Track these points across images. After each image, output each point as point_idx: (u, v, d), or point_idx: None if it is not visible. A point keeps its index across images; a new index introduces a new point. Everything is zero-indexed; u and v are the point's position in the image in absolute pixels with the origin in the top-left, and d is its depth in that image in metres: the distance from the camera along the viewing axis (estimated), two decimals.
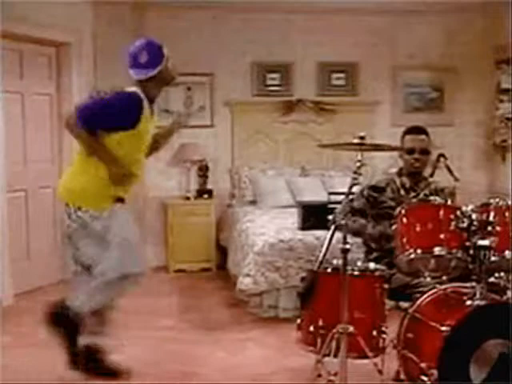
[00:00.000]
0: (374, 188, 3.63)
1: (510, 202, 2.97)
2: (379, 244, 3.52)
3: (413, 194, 3.58)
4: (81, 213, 3.23)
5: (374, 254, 3.59)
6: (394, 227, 3.14)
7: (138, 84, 3.30)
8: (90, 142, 3.24)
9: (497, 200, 2.96)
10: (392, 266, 3.21)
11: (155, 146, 3.56)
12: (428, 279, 3.03)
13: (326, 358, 2.88)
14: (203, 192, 6.43)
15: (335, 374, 2.86)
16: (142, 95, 3.27)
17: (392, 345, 3.03)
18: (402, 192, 3.61)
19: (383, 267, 3.14)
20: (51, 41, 5.46)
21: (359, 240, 3.83)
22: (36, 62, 5.45)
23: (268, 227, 5.01)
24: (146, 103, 3.29)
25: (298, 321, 3.05)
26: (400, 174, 3.67)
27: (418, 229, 3.02)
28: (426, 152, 3.57)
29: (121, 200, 3.33)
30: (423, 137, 3.60)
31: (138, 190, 5.15)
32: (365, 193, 3.62)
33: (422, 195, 3.50)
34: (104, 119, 3.22)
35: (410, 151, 3.56)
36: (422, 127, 3.66)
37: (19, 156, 5.30)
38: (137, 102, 3.24)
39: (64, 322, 3.27)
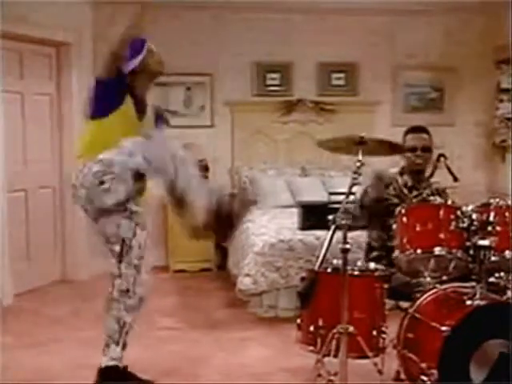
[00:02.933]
0: (379, 177, 3.66)
1: (509, 202, 2.98)
2: (380, 209, 3.53)
3: (415, 192, 3.60)
4: None
5: (374, 254, 3.60)
6: (394, 226, 3.15)
7: (128, 80, 3.25)
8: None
9: (497, 200, 2.97)
10: (392, 265, 3.21)
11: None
12: (428, 279, 3.03)
13: (326, 358, 2.88)
14: None
15: (335, 374, 2.86)
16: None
17: (392, 345, 3.03)
18: (405, 191, 3.64)
19: (383, 267, 3.15)
20: (51, 41, 5.47)
21: (360, 240, 3.83)
22: (36, 62, 5.45)
23: (268, 227, 5.01)
24: (128, 97, 3.21)
25: (298, 321, 3.05)
26: (402, 172, 3.71)
27: (418, 229, 3.02)
28: (427, 150, 3.63)
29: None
30: (425, 135, 3.66)
31: None
32: (373, 182, 3.63)
33: (424, 195, 3.51)
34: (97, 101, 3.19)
35: (412, 149, 3.60)
36: (424, 126, 3.73)
37: (19, 156, 5.31)
38: (115, 82, 3.17)
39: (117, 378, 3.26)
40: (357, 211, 3.43)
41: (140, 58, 3.25)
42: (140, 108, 3.31)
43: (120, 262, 3.21)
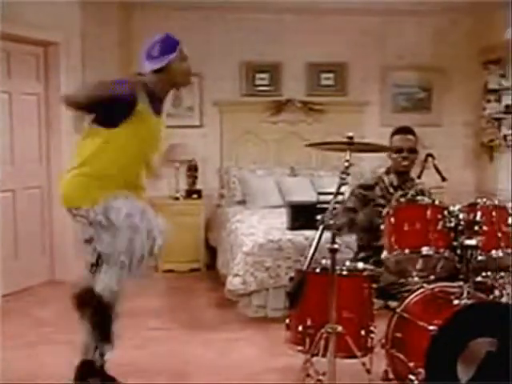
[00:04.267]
0: (363, 186, 3.76)
1: (496, 202, 3.00)
2: (370, 234, 3.54)
3: (400, 192, 3.63)
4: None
5: (362, 254, 3.62)
6: (382, 226, 3.16)
7: (147, 79, 3.09)
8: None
9: (484, 200, 2.98)
10: (380, 265, 3.22)
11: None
12: (416, 279, 3.05)
13: (315, 358, 2.89)
14: (192, 192, 6.42)
15: (324, 374, 2.86)
16: (143, 90, 3.04)
17: (380, 344, 3.05)
18: (391, 190, 3.69)
19: (371, 267, 3.16)
20: (39, 40, 5.44)
21: (348, 239, 3.85)
22: (24, 62, 5.42)
23: (257, 227, 5.01)
24: (144, 97, 3.04)
25: (287, 321, 3.06)
26: (388, 172, 3.76)
27: (405, 228, 3.03)
28: (413, 151, 3.68)
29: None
30: (411, 136, 3.70)
31: None
32: (355, 192, 3.70)
33: (409, 195, 3.53)
34: (99, 100, 2.98)
35: (399, 150, 3.65)
36: (410, 127, 3.77)
37: (7, 156, 5.28)
38: (127, 104, 2.99)
39: (92, 303, 3.13)
40: (340, 215, 3.43)
41: (170, 57, 3.06)
42: (156, 108, 3.15)
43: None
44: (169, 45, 3.09)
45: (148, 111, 3.09)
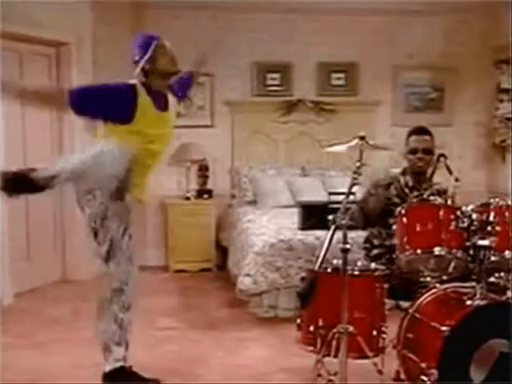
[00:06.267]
0: (378, 185, 3.71)
1: (509, 202, 2.98)
2: (382, 220, 3.56)
3: (416, 192, 3.62)
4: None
5: (375, 252, 3.62)
6: (394, 226, 3.15)
7: (140, 79, 3.17)
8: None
9: (497, 200, 2.97)
10: (392, 264, 3.21)
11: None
12: (428, 279, 3.04)
13: (326, 358, 2.89)
14: (203, 192, 6.43)
15: (335, 374, 2.86)
16: (142, 89, 3.14)
17: (392, 345, 3.04)
18: (406, 190, 3.68)
19: (383, 267, 3.15)
20: (51, 41, 5.46)
21: (359, 240, 3.84)
22: (35, 63, 5.45)
23: (268, 227, 5.01)
24: (145, 96, 3.13)
25: (298, 321, 3.06)
26: (404, 173, 3.75)
27: (418, 229, 3.03)
28: (429, 152, 3.65)
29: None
30: (427, 137, 3.69)
31: None
32: (372, 191, 3.67)
33: (425, 195, 3.52)
34: (92, 104, 3.11)
35: (414, 151, 3.64)
36: (426, 128, 3.76)
37: (19, 157, 5.29)
38: (128, 92, 3.10)
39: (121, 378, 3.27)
40: (356, 214, 3.46)
41: (148, 56, 3.12)
42: (160, 104, 3.23)
43: (107, 261, 3.20)
44: (144, 44, 3.15)
45: (150, 105, 3.16)
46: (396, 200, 3.59)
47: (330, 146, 3.29)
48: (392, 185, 3.70)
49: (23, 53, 5.29)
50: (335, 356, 2.81)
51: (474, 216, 2.90)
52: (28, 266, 5.38)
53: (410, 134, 3.72)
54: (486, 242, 2.82)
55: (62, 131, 5.72)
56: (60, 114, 5.67)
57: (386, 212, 3.54)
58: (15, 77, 5.07)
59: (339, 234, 2.82)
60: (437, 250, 2.92)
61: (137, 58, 3.15)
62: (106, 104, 3.11)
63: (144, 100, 3.15)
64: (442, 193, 3.61)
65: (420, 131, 3.70)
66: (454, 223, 2.94)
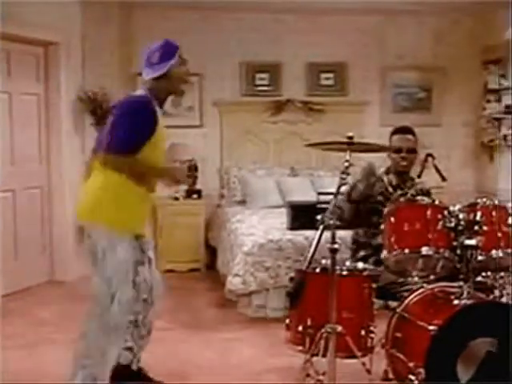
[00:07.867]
0: (372, 174, 3.68)
1: (496, 202, 3.00)
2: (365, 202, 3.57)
3: (400, 191, 3.63)
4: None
5: (362, 253, 3.62)
6: (381, 226, 3.16)
7: (148, 85, 3.11)
8: (139, 166, 3.01)
9: (484, 200, 2.99)
10: (380, 264, 3.23)
11: None
12: (416, 279, 3.05)
13: (315, 358, 2.90)
14: (192, 192, 6.42)
15: (324, 374, 2.86)
16: (153, 99, 3.06)
17: (380, 344, 3.05)
18: (390, 189, 3.68)
19: (371, 267, 3.17)
20: (39, 40, 5.44)
21: (348, 240, 3.85)
22: (24, 62, 5.42)
23: (257, 227, 5.01)
24: (157, 108, 3.07)
25: (287, 321, 3.06)
26: (387, 172, 3.75)
27: (405, 228, 3.03)
28: (412, 151, 3.67)
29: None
30: (410, 136, 3.69)
31: None
32: (359, 185, 3.65)
33: (409, 195, 3.54)
34: (138, 136, 2.97)
35: (398, 150, 3.64)
36: (409, 127, 3.76)
37: (7, 156, 5.27)
38: (149, 105, 3.01)
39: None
40: (343, 204, 3.46)
41: (170, 64, 3.08)
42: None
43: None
44: (168, 51, 3.11)
45: (162, 120, 3.10)
46: (380, 198, 3.59)
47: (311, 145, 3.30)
48: (377, 183, 3.69)
49: (11, 52, 5.26)
50: (324, 356, 2.82)
51: (461, 216, 2.92)
52: (16, 266, 5.35)
53: (393, 133, 3.72)
54: (473, 242, 2.84)
55: (50, 131, 5.70)
56: (47, 114, 5.66)
57: (371, 210, 3.54)
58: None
59: (328, 234, 2.83)
60: (424, 250, 2.93)
61: (156, 61, 3.07)
62: (144, 126, 2.99)
63: (159, 117, 3.08)
64: (425, 192, 3.63)
65: (403, 130, 3.71)
66: (441, 223, 2.95)
